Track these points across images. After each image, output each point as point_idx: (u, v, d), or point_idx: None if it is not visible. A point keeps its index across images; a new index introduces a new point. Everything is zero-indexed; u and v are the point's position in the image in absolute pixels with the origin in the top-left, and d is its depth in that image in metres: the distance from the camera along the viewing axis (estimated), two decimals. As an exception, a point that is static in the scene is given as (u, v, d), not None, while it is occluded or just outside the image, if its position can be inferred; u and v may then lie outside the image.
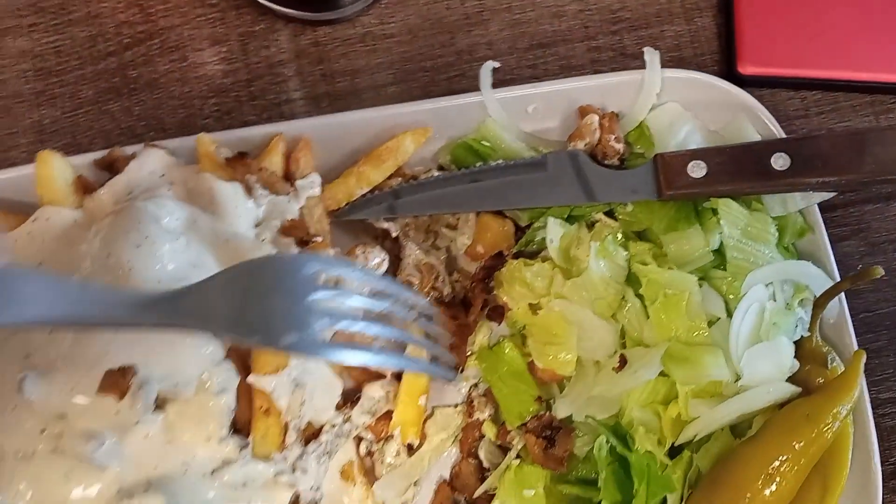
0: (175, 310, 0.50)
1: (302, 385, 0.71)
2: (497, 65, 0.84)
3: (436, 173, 0.84)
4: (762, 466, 0.70)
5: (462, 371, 0.82)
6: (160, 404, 0.65)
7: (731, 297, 0.76)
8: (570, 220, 0.81)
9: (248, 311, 0.52)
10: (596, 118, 0.81)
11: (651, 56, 0.83)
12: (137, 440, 0.65)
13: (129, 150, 0.79)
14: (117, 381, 0.62)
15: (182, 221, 0.71)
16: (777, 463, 0.70)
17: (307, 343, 0.52)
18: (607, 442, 0.72)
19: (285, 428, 0.71)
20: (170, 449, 0.66)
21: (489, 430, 0.80)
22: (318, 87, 0.91)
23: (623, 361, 0.76)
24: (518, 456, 0.77)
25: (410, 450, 0.80)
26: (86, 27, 0.92)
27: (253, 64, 0.92)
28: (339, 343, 0.54)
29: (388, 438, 0.79)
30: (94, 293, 0.48)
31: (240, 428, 0.69)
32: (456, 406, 0.82)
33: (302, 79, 0.91)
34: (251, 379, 0.68)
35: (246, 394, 0.69)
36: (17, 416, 0.65)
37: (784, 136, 0.82)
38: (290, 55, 0.92)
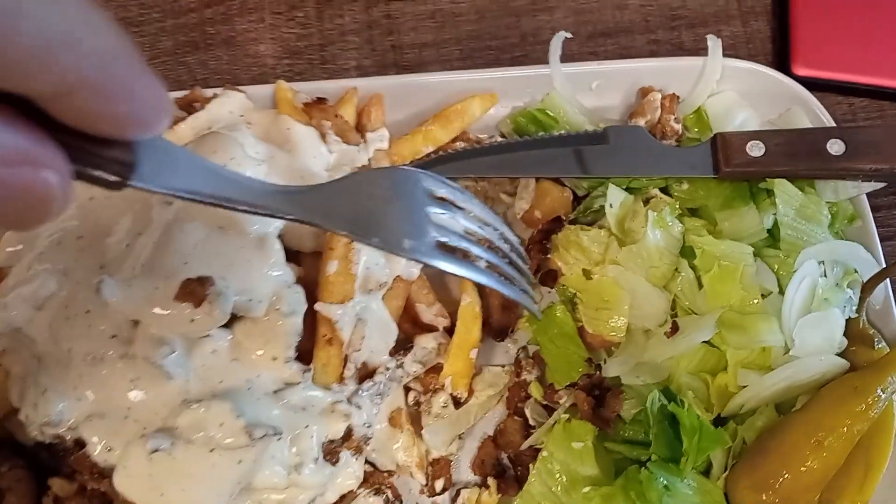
0: (302, 204, 0.52)
1: (364, 321, 0.73)
2: (569, 35, 0.88)
3: (499, 139, 0.87)
4: (810, 435, 0.71)
5: (512, 333, 0.84)
6: (230, 322, 0.67)
7: (782, 273, 0.78)
8: (627, 192, 0.83)
9: (371, 213, 0.53)
10: (658, 96, 0.85)
11: (714, 43, 0.86)
12: (205, 354, 0.67)
13: (208, 92, 0.82)
14: (195, 290, 0.63)
15: (262, 155, 0.74)
16: (824, 432, 0.71)
17: (424, 249, 0.53)
18: (658, 399, 0.73)
19: (344, 361, 0.72)
20: (235, 365, 0.67)
21: (535, 391, 0.81)
22: (386, 57, 0.95)
23: (675, 328, 0.77)
24: (566, 413, 0.78)
25: (457, 404, 0.81)
26: (170, -17, 0.96)
27: (327, 30, 0.96)
28: (450, 254, 0.55)
29: (437, 391, 0.80)
30: (231, 176, 0.49)
31: (302, 356, 0.70)
32: (504, 367, 0.83)
33: (372, 48, 0.95)
34: (318, 306, 0.70)
35: (310, 324, 0.71)
36: (89, 321, 0.66)
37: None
38: (362, 25, 0.96)
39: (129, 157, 0.41)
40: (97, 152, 0.39)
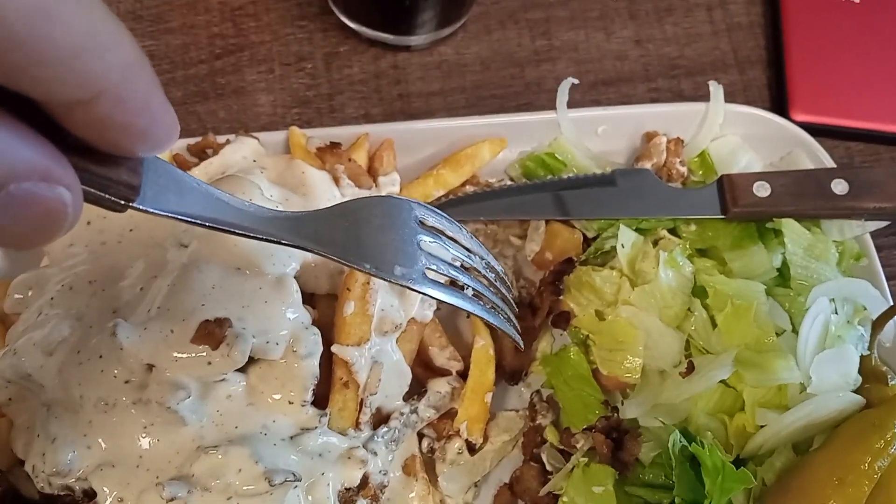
0: (297, 229, 0.53)
1: (379, 364, 0.72)
2: (576, 81, 0.90)
3: (508, 182, 0.88)
4: (832, 473, 0.70)
5: (526, 376, 0.83)
6: (245, 365, 0.66)
7: (794, 311, 0.78)
8: (636, 232, 0.84)
9: (364, 239, 0.54)
10: (664, 140, 0.86)
11: (715, 89, 0.89)
12: (220, 398, 0.65)
13: (221, 138, 0.83)
14: (213, 332, 0.63)
15: (276, 198, 0.74)
16: (846, 470, 0.70)
17: (415, 276, 0.54)
18: (679, 441, 0.72)
19: (360, 405, 0.71)
20: (251, 410, 0.66)
21: (551, 435, 0.80)
22: (394, 106, 0.97)
23: (691, 367, 0.77)
24: (584, 457, 0.77)
25: (472, 450, 0.79)
26: (180, 36, 0.98)
27: (335, 80, 0.97)
28: (439, 282, 0.56)
29: (451, 437, 0.79)
30: (230, 201, 0.50)
31: (317, 400, 0.69)
32: (518, 411, 0.82)
33: (380, 97, 0.97)
34: (335, 348, 0.69)
35: (325, 368, 0.70)
36: (101, 366, 0.65)
37: (838, 170, 0.87)
38: (370, 75, 0.98)
39: (135, 178, 0.42)
40: (103, 173, 0.40)
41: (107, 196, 0.41)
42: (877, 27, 1.00)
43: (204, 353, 0.63)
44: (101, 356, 0.65)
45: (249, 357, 0.65)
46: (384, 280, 0.55)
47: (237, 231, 0.51)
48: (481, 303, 0.62)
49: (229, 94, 0.95)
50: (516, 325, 0.69)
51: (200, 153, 0.82)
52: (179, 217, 0.47)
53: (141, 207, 0.43)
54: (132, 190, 0.42)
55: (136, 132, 0.39)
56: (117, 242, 0.73)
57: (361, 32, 0.97)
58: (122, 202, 0.42)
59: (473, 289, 0.63)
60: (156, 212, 0.44)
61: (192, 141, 0.83)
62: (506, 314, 0.67)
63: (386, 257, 0.55)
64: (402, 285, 0.55)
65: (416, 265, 0.56)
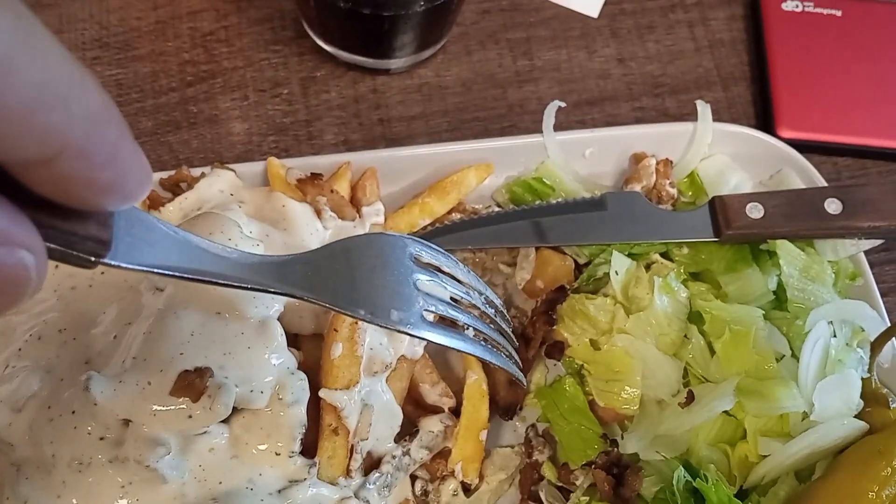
0: (283, 275, 0.50)
1: (370, 406, 0.69)
2: (563, 104, 0.88)
3: (496, 209, 0.85)
4: (839, 502, 0.68)
5: (520, 410, 0.80)
6: (227, 416, 0.62)
7: (792, 335, 0.77)
8: (628, 258, 0.82)
9: (356, 283, 0.51)
10: (653, 161, 0.85)
11: (703, 108, 0.87)
12: (202, 452, 0.62)
13: (196, 171, 0.79)
14: (193, 383, 0.59)
15: (256, 235, 0.71)
16: (853, 499, 0.68)
17: (413, 320, 0.51)
18: (683, 476, 0.70)
19: (350, 451, 0.67)
20: (236, 463, 0.62)
21: (549, 472, 0.77)
22: (374, 131, 0.94)
23: (691, 397, 0.75)
24: (585, 495, 0.74)
25: (467, 491, 0.76)
26: (149, 63, 0.94)
27: (312, 106, 0.94)
28: (439, 325, 0.53)
29: (445, 478, 0.76)
30: (209, 248, 0.47)
31: (304, 448, 0.66)
32: (513, 447, 0.79)
33: (360, 122, 0.94)
34: (323, 393, 0.66)
35: (312, 413, 0.67)
36: (75, 422, 0.61)
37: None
38: (348, 100, 0.95)
39: (104, 232, 0.38)
40: (69, 228, 0.36)
41: (74, 253, 0.37)
42: (860, 39, 1.00)
43: (184, 406, 0.59)
44: (73, 412, 0.61)
45: (233, 407, 0.62)
46: (381, 326, 0.52)
47: (220, 282, 0.47)
48: (483, 343, 0.60)
49: (202, 123, 0.92)
50: (518, 361, 0.66)
51: (174, 187, 0.78)
52: (156, 270, 0.43)
53: (113, 263, 0.40)
54: (102, 245, 0.38)
55: (103, 186, 0.35)
56: (88, 286, 0.69)
57: (338, 56, 0.94)
58: (92, 258, 0.38)
59: (474, 328, 0.61)
60: (130, 266, 0.41)
61: (165, 175, 0.79)
62: (507, 351, 0.64)
63: (381, 301, 0.52)
64: (400, 331, 0.52)
65: (413, 308, 0.53)
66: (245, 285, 0.48)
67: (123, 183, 0.36)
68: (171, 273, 0.44)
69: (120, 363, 0.62)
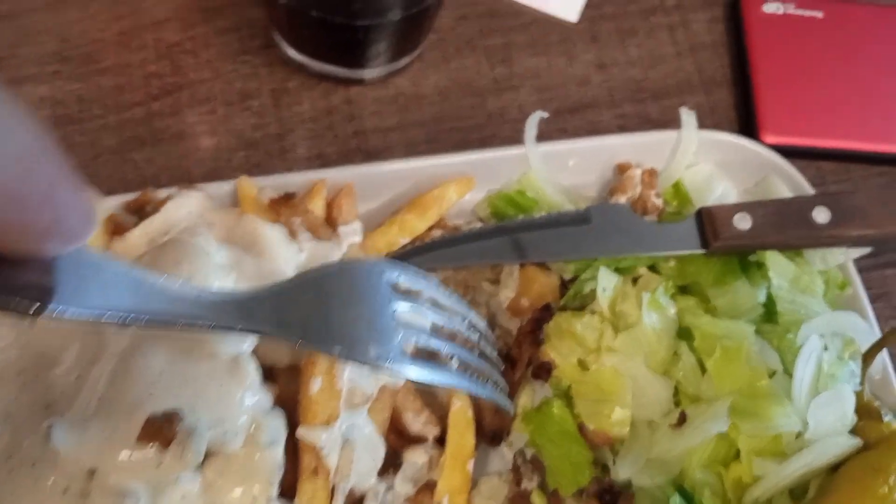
0: (250, 312, 0.46)
1: (351, 442, 0.66)
2: (546, 115, 0.85)
3: (478, 225, 0.82)
4: (837, 525, 0.67)
5: (507, 435, 0.78)
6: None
7: (783, 349, 0.75)
8: (615, 273, 0.79)
9: (330, 318, 0.48)
10: (638, 172, 0.82)
11: (687, 116, 0.85)
12: (173, 501, 0.58)
13: (161, 193, 0.75)
14: (162, 428, 0.55)
15: (227, 261, 0.67)
16: (851, 521, 0.67)
17: (392, 355, 0.48)
18: (679, 503, 0.68)
19: (332, 492, 0.64)
20: (210, 510, 0.59)
21: (539, 500, 0.74)
22: (349, 143, 0.90)
23: (683, 418, 0.72)
24: (576, 522, 0.72)
25: (454, 522, 0.73)
26: (113, 77, 0.90)
27: (284, 118, 0.90)
28: (420, 360, 0.50)
29: (431, 510, 0.73)
30: (166, 287, 0.43)
31: (283, 491, 0.62)
32: (501, 474, 0.77)
33: (334, 134, 0.90)
34: (300, 432, 0.63)
35: (290, 450, 0.63)
36: (36, 474, 0.57)
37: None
38: (321, 112, 0.91)
39: (47, 278, 0.35)
40: (6, 277, 0.33)
41: (14, 303, 0.34)
42: (842, 41, 0.98)
43: (153, 454, 0.56)
44: (34, 463, 0.57)
45: (205, 451, 0.58)
46: (358, 363, 0.49)
47: (180, 323, 0.44)
48: (468, 375, 0.57)
49: (169, 139, 0.88)
50: (505, 386, 0.63)
51: (139, 211, 0.74)
52: (107, 316, 0.40)
53: (59, 311, 0.36)
54: (45, 292, 0.35)
55: (39, 231, 0.32)
56: (48, 322, 0.65)
57: (310, 66, 0.91)
58: (34, 309, 0.35)
59: (458, 357, 0.58)
60: (78, 314, 0.38)
61: (129, 197, 0.75)
62: (493, 378, 0.61)
63: (358, 336, 0.49)
64: (379, 369, 0.49)
65: (392, 341, 0.50)
66: (208, 324, 0.45)
67: (63, 225, 0.33)
68: (124, 318, 0.41)
69: (83, 407, 0.59)
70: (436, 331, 0.54)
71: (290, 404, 0.65)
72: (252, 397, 0.60)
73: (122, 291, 0.41)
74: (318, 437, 0.62)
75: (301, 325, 0.48)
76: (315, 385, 0.63)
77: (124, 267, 0.42)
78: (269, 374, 0.67)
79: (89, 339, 0.63)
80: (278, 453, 0.60)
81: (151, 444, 0.55)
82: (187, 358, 0.59)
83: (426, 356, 0.52)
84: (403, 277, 0.54)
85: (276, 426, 0.61)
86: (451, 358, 0.56)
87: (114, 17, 0.93)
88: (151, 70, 0.90)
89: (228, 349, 0.60)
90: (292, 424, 0.64)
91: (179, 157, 0.87)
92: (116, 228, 0.72)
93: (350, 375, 0.66)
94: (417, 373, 0.50)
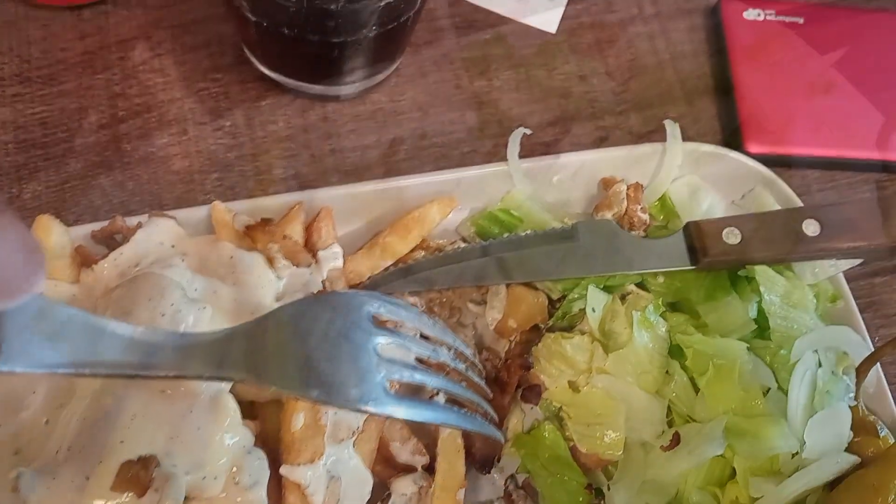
0: (222, 356, 0.43)
1: (337, 478, 0.63)
2: (529, 131, 0.83)
3: (461, 244, 0.80)
4: (838, 545, 0.65)
5: (498, 461, 0.75)
6: (179, 504, 0.56)
7: (776, 366, 0.73)
8: (604, 291, 0.78)
9: (307, 359, 0.45)
10: (624, 187, 0.80)
11: (672, 128, 0.84)
12: (151, 550, 0.55)
13: (132, 220, 0.72)
14: (137, 475, 0.52)
15: (202, 292, 0.64)
16: (852, 541, 0.66)
17: (375, 395, 0.46)
18: (677, 527, 0.66)
19: (319, 529, 0.61)
20: (190, 559, 0.56)
21: (533, 527, 0.72)
22: (326, 163, 0.88)
23: (676, 439, 0.71)
24: (572, 551, 0.70)
25: (446, 554, 0.71)
26: (77, 99, 0.86)
27: (259, 139, 0.87)
28: (405, 397, 0.48)
29: (421, 543, 0.70)
30: (127, 333, 0.40)
31: (267, 531, 0.60)
32: (493, 502, 0.74)
33: (310, 154, 0.87)
34: (284, 470, 0.60)
35: (274, 489, 0.60)
36: (2, 527, 0.54)
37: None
38: (297, 130, 0.88)
39: None
40: None
41: None
42: (823, 46, 0.98)
43: (128, 502, 0.52)
44: (-1, 514, 0.54)
45: (184, 496, 0.55)
46: (339, 408, 0.46)
47: (143, 374, 0.41)
48: (455, 408, 0.54)
49: (137, 163, 0.84)
50: (494, 416, 0.61)
51: (108, 240, 0.71)
52: (61, 371, 0.37)
53: (4, 370, 0.34)
54: None
55: None
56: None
57: (284, 83, 0.88)
58: None
59: (444, 390, 0.55)
60: (26, 370, 0.35)
61: (96, 226, 0.71)
62: (482, 409, 0.59)
63: (338, 377, 0.46)
64: (361, 410, 0.46)
65: (374, 380, 0.47)
66: (172, 373, 0.42)
67: (4, 282, 0.30)
68: (79, 371, 0.38)
69: (53, 454, 0.55)
70: (420, 363, 0.52)
71: (272, 441, 0.62)
72: (232, 437, 0.57)
73: (77, 342, 0.38)
74: (303, 475, 0.60)
75: (276, 369, 0.45)
76: (298, 421, 0.60)
77: (80, 315, 0.39)
78: (250, 410, 0.64)
79: (57, 381, 0.60)
80: (261, 495, 0.57)
81: (127, 492, 0.52)
82: (163, 398, 0.56)
83: (411, 391, 0.50)
84: (384, 308, 0.51)
85: (259, 466, 0.58)
86: (437, 393, 0.54)
87: (77, 35, 0.89)
88: (117, 91, 0.87)
89: (206, 388, 0.57)
90: (275, 462, 0.61)
91: (149, 181, 0.83)
92: (85, 260, 0.68)
93: (334, 408, 0.63)
94: (402, 411, 0.47)
